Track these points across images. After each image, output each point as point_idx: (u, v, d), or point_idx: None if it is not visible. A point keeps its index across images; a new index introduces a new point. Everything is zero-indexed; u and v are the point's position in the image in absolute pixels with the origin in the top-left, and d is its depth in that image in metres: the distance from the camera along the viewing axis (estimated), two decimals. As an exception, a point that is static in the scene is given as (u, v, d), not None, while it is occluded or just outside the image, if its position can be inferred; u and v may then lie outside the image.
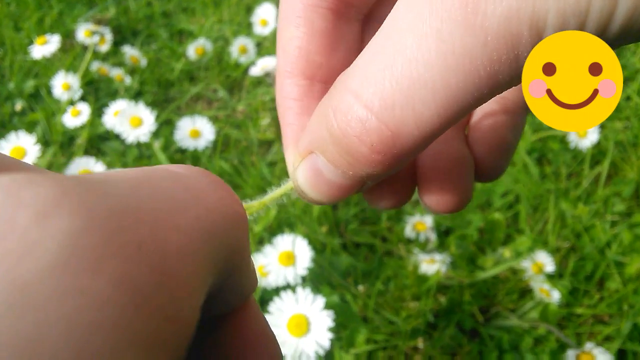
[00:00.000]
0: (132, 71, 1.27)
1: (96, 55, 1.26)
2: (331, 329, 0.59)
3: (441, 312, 0.82)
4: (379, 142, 0.19)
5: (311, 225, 0.87)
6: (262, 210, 0.25)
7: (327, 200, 0.23)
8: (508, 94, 0.27)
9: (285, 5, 0.25)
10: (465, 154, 0.27)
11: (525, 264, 0.82)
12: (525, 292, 0.85)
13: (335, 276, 0.80)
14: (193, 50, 1.30)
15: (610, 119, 1.09)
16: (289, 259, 0.69)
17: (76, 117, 1.02)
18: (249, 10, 1.47)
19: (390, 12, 0.19)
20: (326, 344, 0.58)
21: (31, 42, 1.19)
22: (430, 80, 0.17)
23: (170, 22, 1.50)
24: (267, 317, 0.60)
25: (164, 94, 1.26)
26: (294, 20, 0.24)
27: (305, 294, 0.61)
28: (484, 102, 0.18)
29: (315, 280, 0.79)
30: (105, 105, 1.04)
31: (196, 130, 0.98)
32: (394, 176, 0.26)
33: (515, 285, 0.84)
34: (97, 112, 1.11)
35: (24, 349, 0.08)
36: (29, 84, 1.22)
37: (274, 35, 1.27)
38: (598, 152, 1.04)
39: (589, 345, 0.72)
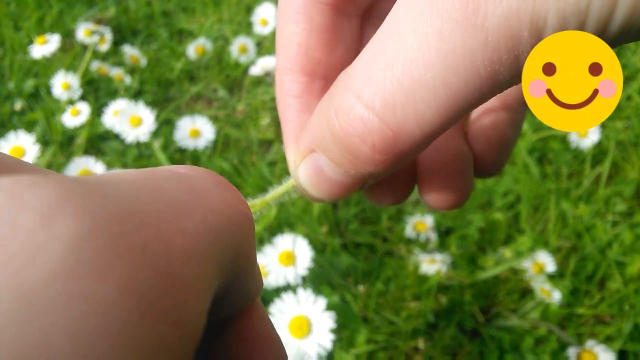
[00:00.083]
0: (132, 71, 1.27)
1: (96, 55, 1.26)
2: (332, 330, 0.59)
3: (442, 312, 0.81)
4: (381, 142, 0.19)
5: (311, 225, 0.87)
6: (264, 209, 0.24)
7: (328, 198, 0.23)
8: (508, 91, 0.27)
9: (284, 1, 0.25)
10: (465, 150, 0.27)
11: (526, 264, 0.82)
12: (526, 292, 0.85)
13: (336, 276, 0.80)
14: (193, 49, 1.30)
15: (611, 118, 1.09)
16: (289, 259, 0.69)
17: (76, 116, 1.02)
18: (249, 9, 1.47)
19: (389, 8, 0.19)
20: (328, 345, 0.58)
21: (31, 42, 1.19)
22: (431, 79, 0.17)
23: (170, 21, 1.50)
24: (268, 317, 0.59)
25: (164, 93, 1.26)
26: (293, 16, 0.24)
27: (306, 295, 0.61)
28: (485, 102, 0.18)
29: (316, 280, 0.79)
30: (105, 104, 1.04)
31: (196, 130, 0.98)
32: (394, 173, 0.26)
33: (516, 286, 0.84)
34: (97, 111, 1.10)
35: (30, 355, 0.08)
36: (29, 84, 1.21)
37: (274, 34, 1.26)
38: (599, 151, 1.04)
39: (590, 343, 0.72)
